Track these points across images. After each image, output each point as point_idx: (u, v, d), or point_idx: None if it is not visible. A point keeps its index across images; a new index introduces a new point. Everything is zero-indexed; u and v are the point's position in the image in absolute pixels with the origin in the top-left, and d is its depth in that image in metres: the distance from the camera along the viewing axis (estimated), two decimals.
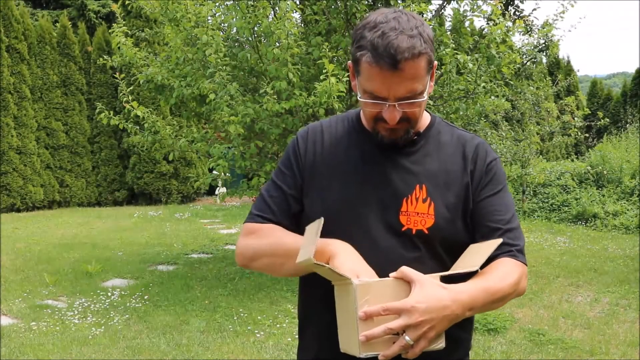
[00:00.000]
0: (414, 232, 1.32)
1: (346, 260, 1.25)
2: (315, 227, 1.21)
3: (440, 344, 1.21)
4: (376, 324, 1.15)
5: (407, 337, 1.14)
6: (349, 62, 1.35)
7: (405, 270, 1.19)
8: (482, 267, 1.30)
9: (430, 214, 1.33)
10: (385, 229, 1.33)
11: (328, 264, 1.24)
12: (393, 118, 1.28)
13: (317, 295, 1.38)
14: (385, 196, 1.35)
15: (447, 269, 1.32)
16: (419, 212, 1.33)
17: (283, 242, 1.34)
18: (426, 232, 1.32)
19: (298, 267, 1.25)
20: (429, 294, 1.15)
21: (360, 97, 1.31)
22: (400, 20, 1.24)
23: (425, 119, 1.44)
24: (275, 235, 1.36)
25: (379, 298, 1.17)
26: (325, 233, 1.35)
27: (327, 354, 1.38)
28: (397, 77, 1.23)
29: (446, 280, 1.24)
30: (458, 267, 1.31)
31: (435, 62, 1.33)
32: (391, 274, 1.20)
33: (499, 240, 1.31)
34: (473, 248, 1.34)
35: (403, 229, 1.33)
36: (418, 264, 1.28)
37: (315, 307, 1.42)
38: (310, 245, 1.19)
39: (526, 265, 1.36)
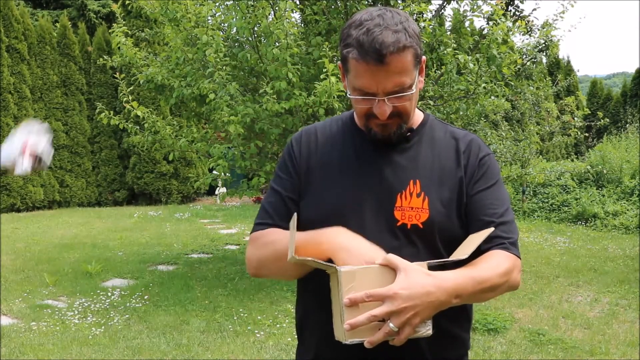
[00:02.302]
0: (409, 226, 1.33)
1: (350, 254, 1.24)
2: (291, 224, 1.23)
3: (427, 331, 1.21)
4: (361, 310, 1.16)
5: (391, 324, 1.14)
6: (339, 62, 1.36)
7: (391, 257, 1.19)
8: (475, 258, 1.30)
9: (425, 208, 1.33)
10: (381, 225, 1.34)
11: (330, 260, 1.24)
12: (383, 113, 1.29)
13: (315, 295, 1.39)
14: (379, 193, 1.36)
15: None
16: (413, 207, 1.33)
17: (283, 245, 1.34)
18: (421, 226, 1.33)
19: (302, 267, 1.26)
20: (412, 280, 1.16)
21: (350, 95, 1.33)
22: (384, 17, 1.26)
23: (418, 116, 1.45)
24: (274, 240, 1.36)
25: (364, 285, 1.17)
26: None
27: (326, 354, 1.38)
28: (384, 72, 1.25)
29: (436, 269, 1.24)
30: (450, 256, 1.32)
31: (424, 58, 1.35)
32: (377, 261, 1.20)
33: (491, 229, 1.31)
34: (468, 238, 1.35)
35: (398, 224, 1.33)
36: (414, 259, 1.28)
37: (313, 307, 1.42)
38: (290, 243, 1.21)
39: (519, 258, 1.35)
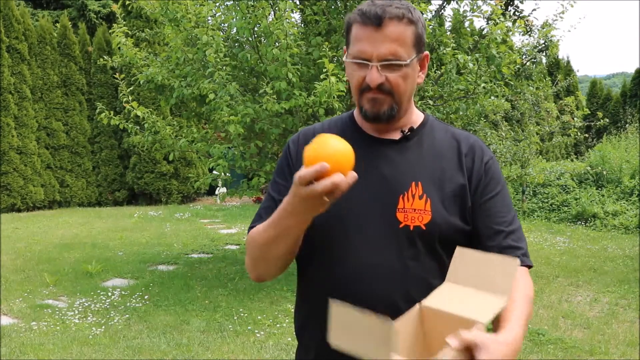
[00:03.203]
0: (411, 228, 1.32)
1: None
2: (385, 332, 1.04)
3: None
4: None
5: None
6: (344, 47, 1.38)
7: (465, 337, 1.10)
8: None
9: (427, 210, 1.33)
10: (383, 226, 1.33)
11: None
12: (374, 79, 1.30)
13: (316, 302, 1.38)
14: (381, 194, 1.35)
15: (444, 266, 1.31)
16: (415, 209, 1.33)
17: (260, 237, 1.34)
18: (424, 228, 1.32)
19: (283, 247, 1.27)
20: (495, 356, 1.12)
21: (347, 62, 1.35)
22: (393, 1, 1.32)
23: (418, 116, 1.45)
24: (253, 236, 1.36)
25: None
26: (323, 234, 1.35)
27: (325, 356, 1.38)
28: (381, 35, 1.28)
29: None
30: (480, 289, 1.20)
31: (427, 52, 1.37)
32: (451, 344, 1.09)
33: (517, 261, 1.22)
34: (484, 261, 1.23)
35: (400, 226, 1.33)
36: (415, 260, 1.29)
37: (314, 314, 1.41)
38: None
39: (531, 265, 1.38)
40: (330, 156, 1.13)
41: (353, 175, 1.14)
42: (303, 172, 1.13)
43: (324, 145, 1.15)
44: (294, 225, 1.24)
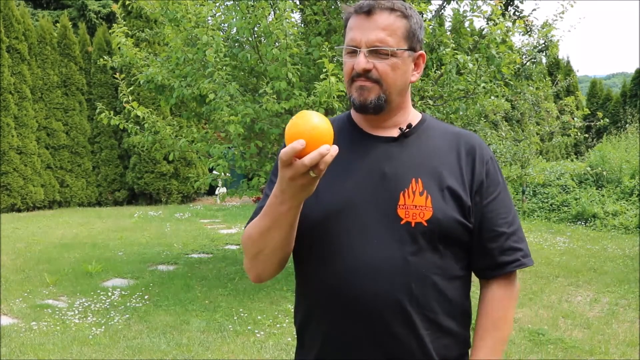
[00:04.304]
0: (413, 224, 1.32)
1: None
2: None
3: None
4: None
5: None
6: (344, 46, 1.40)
7: None
8: (493, 274, 1.41)
9: (428, 206, 1.33)
10: (384, 223, 1.33)
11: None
12: (359, 62, 1.32)
13: (315, 300, 1.39)
14: (381, 191, 1.35)
15: (445, 262, 1.34)
16: (417, 205, 1.33)
17: (254, 230, 1.33)
18: (425, 224, 1.32)
19: (278, 237, 1.28)
20: None
21: (343, 54, 1.38)
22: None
23: (416, 116, 1.46)
24: (249, 233, 1.36)
25: None
26: (323, 231, 1.35)
27: (327, 355, 1.38)
28: (371, 23, 1.32)
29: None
30: None
31: (422, 52, 1.39)
32: None
33: None
34: None
35: (402, 222, 1.33)
36: (416, 257, 1.29)
37: (313, 312, 1.41)
38: None
39: (532, 264, 1.42)
40: (311, 130, 1.15)
41: (335, 148, 1.16)
42: (285, 149, 1.14)
43: (304, 120, 1.17)
44: (287, 211, 1.24)
